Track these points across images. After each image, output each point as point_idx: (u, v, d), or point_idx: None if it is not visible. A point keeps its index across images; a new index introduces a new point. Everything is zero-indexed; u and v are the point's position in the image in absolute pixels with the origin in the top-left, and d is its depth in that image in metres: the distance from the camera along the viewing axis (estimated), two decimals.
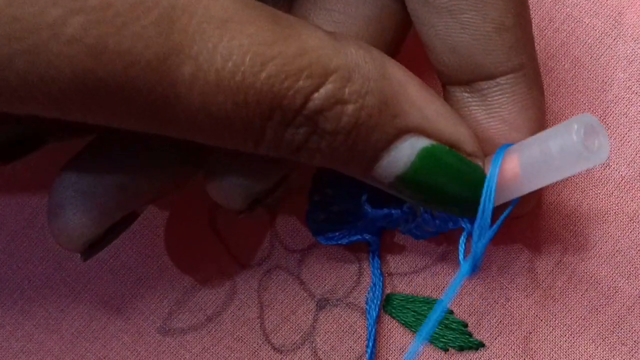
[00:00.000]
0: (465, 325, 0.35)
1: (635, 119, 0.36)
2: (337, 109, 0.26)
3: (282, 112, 0.25)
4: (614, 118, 0.36)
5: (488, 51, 0.29)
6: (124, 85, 0.24)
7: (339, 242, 0.34)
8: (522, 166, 0.29)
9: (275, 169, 0.30)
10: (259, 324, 0.35)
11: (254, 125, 0.26)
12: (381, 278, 0.35)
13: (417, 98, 0.27)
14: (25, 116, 0.25)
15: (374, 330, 0.34)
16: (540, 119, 0.31)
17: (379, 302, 0.35)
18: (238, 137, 0.26)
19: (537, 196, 0.33)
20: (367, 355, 0.34)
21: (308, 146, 0.27)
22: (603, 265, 0.35)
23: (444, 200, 0.29)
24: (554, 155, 0.28)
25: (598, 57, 0.36)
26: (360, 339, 0.35)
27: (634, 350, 0.34)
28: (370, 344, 0.34)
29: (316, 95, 0.25)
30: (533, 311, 0.34)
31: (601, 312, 0.34)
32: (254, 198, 0.30)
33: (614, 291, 0.34)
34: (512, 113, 0.30)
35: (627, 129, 0.36)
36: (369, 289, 0.35)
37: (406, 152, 0.27)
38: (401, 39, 0.32)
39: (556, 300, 0.35)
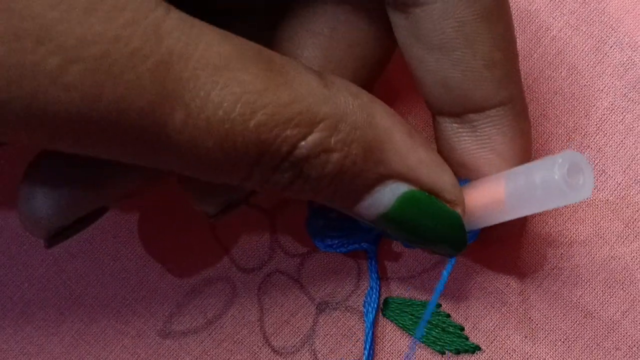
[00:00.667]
0: (462, 329, 0.35)
1: (631, 126, 0.36)
2: (322, 157, 0.27)
3: (269, 157, 0.26)
4: (610, 125, 0.36)
5: (478, 85, 0.30)
6: (116, 126, 0.24)
7: (338, 250, 0.34)
8: (506, 193, 0.29)
9: None
10: (259, 327, 0.35)
11: (241, 168, 0.26)
12: (378, 282, 0.35)
13: (402, 146, 0.28)
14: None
15: (371, 332, 0.35)
16: (527, 148, 0.32)
17: (376, 306, 0.35)
18: (225, 176, 0.27)
19: (521, 224, 0.34)
20: (364, 358, 0.34)
21: (293, 187, 0.27)
22: (598, 271, 0.35)
23: (423, 241, 0.30)
24: (537, 188, 0.28)
25: (595, 64, 0.37)
26: (358, 342, 0.35)
27: (628, 355, 0.34)
28: (367, 347, 0.35)
29: (303, 143, 0.26)
30: (529, 315, 0.35)
31: (596, 316, 0.35)
32: (226, 205, 0.31)
33: (609, 296, 0.35)
34: (501, 144, 0.31)
35: (623, 136, 0.36)
36: (367, 292, 0.35)
37: (387, 195, 0.28)
38: (385, 63, 0.32)
39: (552, 304, 0.35)
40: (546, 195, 0.28)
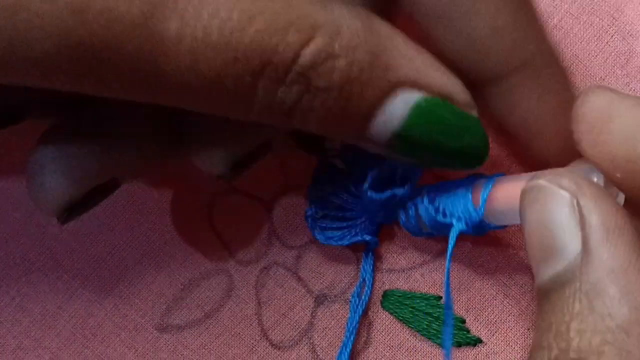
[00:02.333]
0: (463, 322, 0.35)
1: None
2: (329, 63, 0.26)
3: (273, 68, 0.25)
4: None
5: (485, 55, 0.29)
6: (109, 44, 0.24)
7: (339, 242, 0.34)
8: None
9: (256, 133, 0.30)
10: (257, 321, 0.35)
11: (245, 84, 0.25)
12: (371, 279, 0.35)
13: (406, 50, 0.27)
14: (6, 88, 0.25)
15: (355, 329, 0.34)
16: (563, 101, 0.30)
17: (367, 299, 0.34)
18: (229, 99, 0.26)
19: None
20: (339, 349, 0.34)
21: (301, 106, 0.26)
22: None
23: (443, 154, 0.29)
24: None
25: (596, 54, 0.36)
26: (358, 336, 0.35)
27: None
28: (349, 345, 0.34)
29: (307, 49, 0.25)
30: (531, 307, 0.34)
31: None
32: (235, 162, 0.30)
33: None
34: (529, 107, 0.30)
35: None
36: (356, 285, 0.35)
37: (400, 106, 0.27)
38: (388, 12, 0.31)
39: None
40: None
